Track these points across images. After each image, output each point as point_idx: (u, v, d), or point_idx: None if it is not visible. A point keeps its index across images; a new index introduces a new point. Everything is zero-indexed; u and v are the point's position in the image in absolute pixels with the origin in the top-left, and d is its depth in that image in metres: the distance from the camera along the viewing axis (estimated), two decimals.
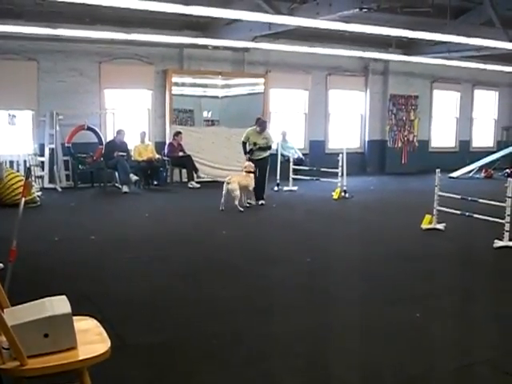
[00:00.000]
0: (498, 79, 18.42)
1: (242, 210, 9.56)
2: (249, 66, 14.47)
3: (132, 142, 12.61)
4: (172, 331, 4.33)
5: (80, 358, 2.50)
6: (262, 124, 10.32)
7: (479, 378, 3.66)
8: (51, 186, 11.81)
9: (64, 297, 2.70)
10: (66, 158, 12.18)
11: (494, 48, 12.38)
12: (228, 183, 9.49)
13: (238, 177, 9.77)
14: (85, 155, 12.23)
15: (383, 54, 14.81)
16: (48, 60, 12.18)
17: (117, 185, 12.18)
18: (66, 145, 12.09)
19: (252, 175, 9.95)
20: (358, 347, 4.05)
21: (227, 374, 3.62)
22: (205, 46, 13.23)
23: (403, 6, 10.74)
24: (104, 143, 12.36)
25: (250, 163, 10.05)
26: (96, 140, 12.41)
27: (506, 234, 7.14)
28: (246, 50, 13.98)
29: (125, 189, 11.67)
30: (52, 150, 11.98)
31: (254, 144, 10.24)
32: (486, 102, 19.10)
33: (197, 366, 3.73)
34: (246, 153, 10.33)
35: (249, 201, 10.13)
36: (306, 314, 4.73)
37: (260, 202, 10.33)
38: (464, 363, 3.83)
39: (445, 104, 18.15)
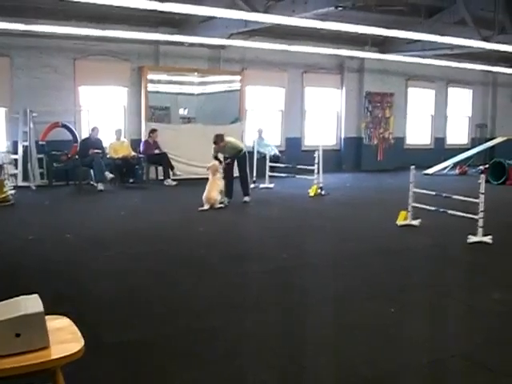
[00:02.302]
0: (472, 77, 18.65)
1: (222, 205, 9.67)
2: (225, 64, 14.43)
3: (107, 139, 12.50)
4: (148, 329, 4.31)
5: (52, 358, 2.47)
6: (214, 139, 9.93)
7: (453, 370, 3.71)
8: (25, 184, 11.63)
9: (36, 295, 2.67)
10: (40, 155, 12.01)
11: (468, 46, 12.55)
12: (212, 203, 9.48)
13: (213, 186, 9.62)
14: (59, 153, 12.08)
15: (359, 51, 14.90)
16: (21, 56, 12.02)
17: (92, 183, 12.05)
18: (40, 142, 11.96)
19: (218, 175, 9.83)
20: (333, 343, 4.08)
21: (203, 370, 3.62)
22: (181, 43, 13.18)
23: (378, 4, 10.84)
24: (79, 141, 12.24)
25: (215, 163, 9.89)
26: (71, 137, 12.29)
27: (480, 230, 7.24)
28: (223, 47, 13.95)
29: (100, 187, 11.56)
30: (26, 148, 11.80)
31: (225, 158, 10.15)
32: (460, 100, 19.33)
33: (173, 363, 3.72)
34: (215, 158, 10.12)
35: (222, 200, 9.96)
36: (282, 311, 4.74)
37: (245, 199, 10.25)
38: (438, 357, 3.87)
39: (420, 101, 18.31)
